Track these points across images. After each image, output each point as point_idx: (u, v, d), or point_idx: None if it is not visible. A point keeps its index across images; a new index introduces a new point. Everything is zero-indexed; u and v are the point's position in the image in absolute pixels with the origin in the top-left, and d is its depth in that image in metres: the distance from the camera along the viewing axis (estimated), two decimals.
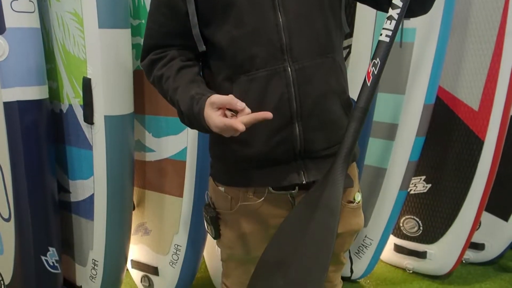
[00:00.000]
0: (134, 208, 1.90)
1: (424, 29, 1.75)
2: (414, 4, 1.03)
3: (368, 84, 1.00)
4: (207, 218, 1.20)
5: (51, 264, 1.71)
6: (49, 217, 1.67)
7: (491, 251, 2.25)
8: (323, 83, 1.05)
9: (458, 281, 2.19)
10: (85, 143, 1.65)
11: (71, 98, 1.65)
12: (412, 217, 2.19)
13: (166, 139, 1.75)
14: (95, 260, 1.78)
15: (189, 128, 1.66)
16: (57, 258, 1.72)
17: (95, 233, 1.74)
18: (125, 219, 1.79)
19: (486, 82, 1.91)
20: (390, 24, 1.00)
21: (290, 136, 1.05)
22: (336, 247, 1.20)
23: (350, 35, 1.67)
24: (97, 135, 1.60)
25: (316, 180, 1.07)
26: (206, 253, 2.04)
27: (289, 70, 1.02)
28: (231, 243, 1.20)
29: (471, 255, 2.27)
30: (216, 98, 0.94)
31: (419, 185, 2.14)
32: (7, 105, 1.51)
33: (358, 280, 2.21)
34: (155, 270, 1.93)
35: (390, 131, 1.90)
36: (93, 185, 1.68)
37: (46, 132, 1.61)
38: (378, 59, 0.99)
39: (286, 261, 1.04)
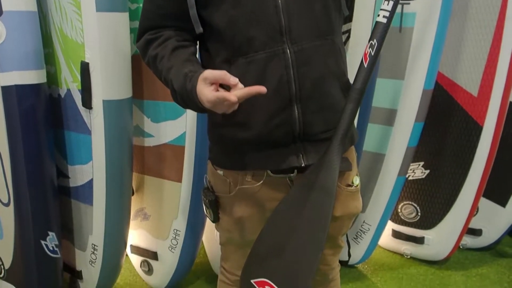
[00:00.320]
0: (133, 194, 1.91)
1: (424, 13, 1.74)
2: None
3: (365, 66, 1.00)
4: (205, 202, 1.20)
5: (51, 248, 1.71)
6: (48, 201, 1.67)
7: (489, 236, 2.27)
8: (322, 65, 1.04)
9: (455, 266, 2.21)
10: (84, 128, 1.64)
11: (69, 82, 1.64)
12: (410, 203, 2.20)
13: (164, 124, 1.74)
14: (94, 245, 1.79)
15: (187, 113, 1.67)
16: (56, 242, 1.72)
17: (95, 218, 1.74)
18: (124, 204, 1.79)
19: (486, 68, 1.90)
20: (387, 4, 0.99)
21: (289, 118, 1.04)
22: (334, 231, 1.22)
23: (349, 19, 1.65)
24: (96, 120, 1.60)
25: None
26: (205, 238, 2.06)
27: (288, 52, 1.01)
28: (229, 227, 1.21)
29: (468, 241, 2.29)
30: (208, 73, 0.93)
31: (417, 171, 2.14)
32: (5, 89, 1.50)
33: (356, 266, 2.22)
34: (154, 255, 1.94)
35: (389, 117, 1.90)
36: (92, 170, 1.68)
37: (44, 116, 1.60)
38: (375, 40, 0.99)
39: (281, 242, 1.05)
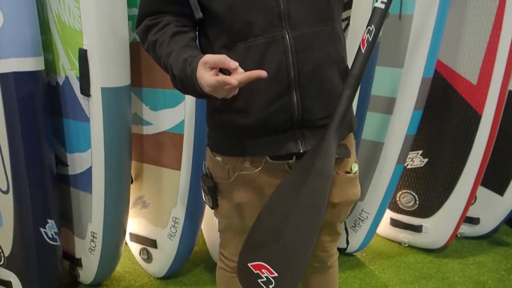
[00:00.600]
0: (132, 182, 1.91)
1: (424, 1, 1.73)
2: None
3: (363, 51, 1.00)
4: (204, 188, 1.21)
5: (50, 236, 1.72)
6: (47, 189, 1.67)
7: (486, 225, 2.28)
8: (321, 51, 1.04)
9: (452, 255, 2.22)
10: (82, 116, 1.64)
11: (67, 70, 1.63)
12: (408, 191, 2.21)
13: (163, 112, 1.74)
14: (94, 233, 1.80)
15: (186, 101, 1.67)
16: (56, 230, 1.73)
17: (94, 206, 1.75)
18: (123, 191, 1.80)
19: (485, 56, 1.90)
20: None
21: (287, 104, 1.04)
22: (332, 217, 1.23)
23: (349, 6, 1.65)
24: (94, 107, 1.59)
25: None
26: (204, 226, 2.06)
27: (287, 37, 1.01)
28: (228, 213, 1.21)
29: (466, 229, 2.30)
30: (208, 57, 0.93)
31: (416, 160, 2.15)
32: (2, 76, 1.49)
33: (354, 254, 2.24)
34: (153, 243, 1.95)
35: (388, 105, 1.90)
36: (90, 158, 1.68)
37: (43, 104, 1.59)
38: (373, 26, 0.99)
39: (278, 226, 1.06)
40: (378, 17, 0.99)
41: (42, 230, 1.69)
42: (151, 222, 1.94)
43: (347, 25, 1.68)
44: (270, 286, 1.05)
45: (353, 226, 2.11)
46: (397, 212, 2.26)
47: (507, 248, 2.27)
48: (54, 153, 1.72)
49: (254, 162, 1.12)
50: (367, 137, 1.96)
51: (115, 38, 1.55)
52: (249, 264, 1.09)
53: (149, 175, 1.89)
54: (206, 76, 0.92)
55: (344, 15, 1.63)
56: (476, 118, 1.96)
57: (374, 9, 1.00)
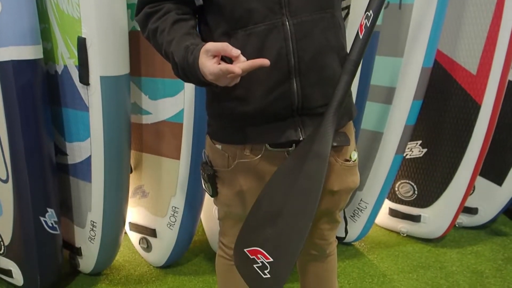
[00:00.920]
0: (131, 171, 1.91)
1: None
2: None
3: (361, 37, 0.99)
4: (204, 176, 1.21)
5: (50, 225, 1.72)
6: (47, 178, 1.67)
7: (484, 215, 2.29)
8: (321, 38, 1.04)
9: (450, 244, 2.24)
10: (81, 105, 1.64)
11: (66, 58, 1.62)
12: (407, 181, 2.21)
13: (162, 101, 1.74)
14: (93, 222, 1.80)
15: (185, 90, 1.67)
16: (55, 219, 1.73)
17: (93, 195, 1.75)
18: (122, 180, 1.80)
19: (485, 46, 1.89)
20: None
21: (287, 92, 1.04)
22: (331, 205, 1.23)
23: None
24: (93, 96, 1.59)
25: None
26: (203, 216, 2.07)
27: (287, 24, 1.01)
28: (228, 201, 1.21)
29: (464, 219, 2.31)
30: (210, 45, 0.93)
31: (415, 150, 2.15)
32: (1, 64, 1.48)
33: (352, 243, 2.25)
34: (153, 232, 1.96)
35: (388, 95, 1.89)
36: (90, 147, 1.68)
37: (41, 93, 1.59)
38: (371, 11, 0.99)
39: (274, 211, 1.06)
40: (376, 3, 0.99)
41: (41, 219, 1.69)
42: (150, 211, 1.95)
43: (347, 13, 1.67)
44: (266, 271, 1.05)
45: (352, 216, 2.12)
46: (396, 202, 2.27)
47: (505, 238, 2.28)
48: (53, 143, 1.72)
49: (254, 150, 1.12)
50: (366, 127, 1.96)
51: (114, 26, 1.54)
52: (245, 250, 1.09)
53: (148, 165, 1.89)
54: (208, 64, 0.92)
55: (344, 3, 1.63)
56: (475, 108, 1.96)
57: None
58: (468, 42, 1.92)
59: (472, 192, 2.23)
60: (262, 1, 1.00)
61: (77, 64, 1.58)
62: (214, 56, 0.93)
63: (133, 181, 1.94)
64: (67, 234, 1.92)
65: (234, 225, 1.27)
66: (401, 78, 1.85)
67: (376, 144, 1.97)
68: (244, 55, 0.94)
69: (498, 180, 2.21)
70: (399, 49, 1.82)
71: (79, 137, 1.71)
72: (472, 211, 2.28)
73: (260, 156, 1.12)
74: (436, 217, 2.17)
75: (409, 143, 2.06)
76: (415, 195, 2.20)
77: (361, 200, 2.08)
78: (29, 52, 1.51)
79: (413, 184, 2.20)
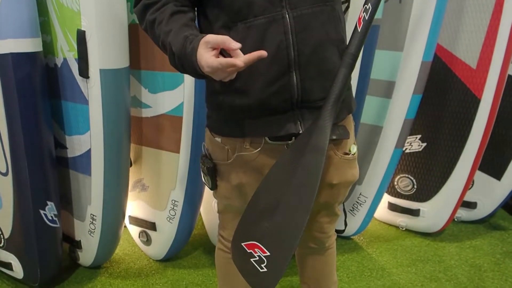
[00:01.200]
0: (131, 165, 1.91)
1: None
2: None
3: (359, 30, 0.99)
4: (203, 169, 1.21)
5: (50, 218, 1.72)
6: (47, 171, 1.67)
7: (483, 209, 2.30)
8: (321, 32, 1.03)
9: (449, 238, 2.24)
10: (81, 98, 1.63)
11: (66, 51, 1.62)
12: (406, 175, 2.22)
13: (162, 95, 1.74)
14: (93, 215, 1.81)
15: (185, 84, 1.66)
16: (55, 212, 1.73)
17: (93, 188, 1.75)
18: (122, 174, 1.80)
19: (485, 40, 1.89)
20: None
21: (287, 85, 1.04)
22: (331, 198, 1.24)
23: None
24: (93, 89, 1.59)
25: None
26: (203, 209, 2.07)
27: (287, 17, 1.00)
28: (227, 194, 1.22)
29: (463, 213, 2.32)
30: (211, 37, 0.92)
31: (414, 144, 2.15)
32: (0, 57, 1.48)
33: (351, 237, 2.26)
34: (152, 226, 1.96)
35: (387, 89, 1.89)
36: (89, 140, 1.68)
37: (41, 86, 1.59)
38: (369, 4, 0.98)
39: (272, 204, 1.06)
40: None
41: (41, 212, 1.69)
42: (150, 205, 1.95)
43: (347, 7, 1.67)
44: (262, 265, 1.06)
45: (351, 210, 2.12)
46: (395, 196, 2.28)
47: (503, 232, 2.29)
48: (53, 136, 1.72)
49: (253, 143, 1.12)
50: (366, 121, 1.97)
51: (113, 19, 1.54)
52: (242, 244, 1.10)
53: (148, 158, 1.89)
54: (206, 57, 0.92)
55: None
56: (475, 103, 1.96)
57: None
58: (468, 36, 1.92)
59: (471, 187, 2.24)
60: None
61: (76, 57, 1.58)
62: (214, 49, 0.92)
63: (133, 174, 1.94)
64: (67, 227, 1.92)
65: (234, 218, 1.27)
66: (401, 72, 1.85)
67: (376, 138, 1.97)
68: (244, 48, 0.93)
69: (497, 174, 2.22)
70: (399, 43, 1.82)
71: (78, 130, 1.71)
72: (471, 205, 2.29)
73: (259, 149, 1.12)
74: (435, 211, 2.18)
75: (408, 137, 2.07)
76: (414, 189, 2.21)
77: (360, 194, 2.09)
78: (29, 44, 1.51)
79: (412, 178, 2.20)
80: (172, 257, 2.07)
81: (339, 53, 1.08)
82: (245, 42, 0.99)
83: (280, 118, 1.08)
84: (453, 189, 2.11)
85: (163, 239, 1.97)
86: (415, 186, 2.20)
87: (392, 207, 2.29)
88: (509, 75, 1.99)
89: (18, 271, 1.82)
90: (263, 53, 0.91)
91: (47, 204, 1.70)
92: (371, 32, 1.77)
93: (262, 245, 1.07)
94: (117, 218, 1.87)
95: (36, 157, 1.63)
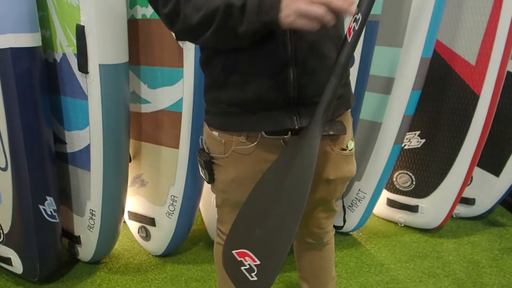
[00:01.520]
0: (130, 160, 1.92)
1: None
2: None
3: (349, 40, 0.98)
4: (201, 163, 1.21)
5: (49, 213, 1.73)
6: (46, 166, 1.68)
7: (481, 206, 2.30)
8: (319, 28, 1.03)
9: (447, 234, 2.25)
10: (80, 93, 1.64)
11: (65, 46, 1.62)
12: (405, 171, 2.22)
13: (161, 90, 1.74)
14: (92, 210, 1.81)
15: (184, 79, 1.66)
16: (55, 207, 1.74)
17: (92, 184, 1.76)
18: (121, 169, 1.81)
19: (484, 37, 1.89)
20: None
21: (284, 80, 1.04)
22: (328, 194, 1.24)
23: None
24: (92, 85, 1.59)
25: None
26: (202, 205, 2.08)
27: None
28: (224, 187, 1.22)
29: (461, 210, 2.33)
30: None
31: (413, 140, 2.16)
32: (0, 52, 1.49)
33: (350, 233, 2.26)
34: (152, 221, 1.97)
35: (386, 85, 1.89)
36: (89, 135, 1.68)
37: (40, 81, 1.59)
38: (359, 14, 0.97)
39: (263, 212, 1.06)
40: (365, 5, 0.97)
41: (41, 207, 1.70)
42: (149, 200, 1.95)
43: None
44: (253, 274, 1.06)
45: (350, 206, 2.13)
46: (394, 193, 2.28)
47: (502, 229, 2.30)
48: (52, 131, 1.72)
49: (249, 137, 1.12)
50: (365, 117, 1.97)
51: (113, 14, 1.54)
52: (233, 252, 1.10)
53: (147, 154, 1.90)
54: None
55: None
56: (474, 99, 1.96)
57: None
58: (467, 33, 1.92)
59: (470, 183, 2.24)
60: None
61: (75, 52, 1.58)
62: None
63: (132, 170, 1.95)
64: (66, 223, 1.93)
65: (231, 212, 1.27)
66: (400, 68, 1.85)
67: (375, 134, 1.98)
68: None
69: (496, 171, 2.22)
70: (399, 39, 1.82)
71: (78, 125, 1.71)
72: (469, 201, 2.30)
73: (255, 143, 1.12)
74: (434, 207, 2.18)
75: (407, 133, 2.07)
76: (413, 186, 2.21)
77: (359, 190, 2.09)
78: (28, 39, 1.51)
79: (411, 174, 2.21)
80: (171, 253, 2.07)
81: (337, 49, 1.08)
82: None
83: (277, 113, 1.08)
84: (452, 185, 2.11)
85: (162, 235, 1.97)
86: (414, 182, 2.20)
87: (391, 203, 2.29)
88: (508, 72, 1.99)
89: (17, 266, 1.83)
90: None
91: (46, 199, 1.71)
92: (370, 28, 1.79)
93: (252, 253, 1.07)
94: (116, 213, 1.88)
95: (36, 152, 1.63)
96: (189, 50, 1.60)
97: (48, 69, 1.67)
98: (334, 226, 1.45)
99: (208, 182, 1.24)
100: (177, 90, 1.69)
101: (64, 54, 1.64)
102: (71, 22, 1.55)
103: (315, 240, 1.38)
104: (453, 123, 2.04)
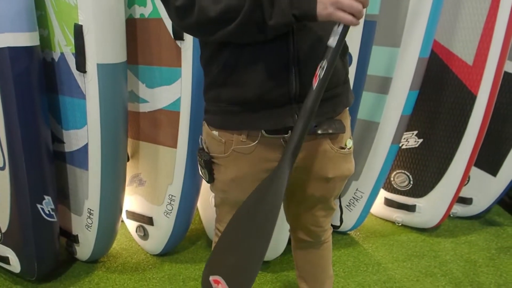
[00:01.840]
0: (128, 159, 1.92)
1: None
2: None
3: (314, 87, 0.99)
4: (200, 162, 1.21)
5: (47, 212, 1.73)
6: (44, 165, 1.68)
7: (479, 205, 2.31)
8: (321, 28, 1.04)
9: (445, 234, 2.26)
10: (78, 92, 1.64)
11: (63, 46, 1.62)
12: (403, 171, 2.23)
13: (159, 90, 1.74)
14: (90, 209, 1.81)
15: (182, 79, 1.66)
16: (52, 206, 1.74)
17: (90, 183, 1.76)
18: (119, 168, 1.81)
19: (482, 37, 1.90)
20: (337, 27, 0.98)
21: (286, 80, 1.05)
22: (326, 192, 1.25)
23: None
24: (90, 84, 1.59)
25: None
26: (200, 205, 2.08)
27: None
28: (224, 187, 1.22)
29: (458, 209, 2.34)
30: None
31: (411, 140, 2.16)
32: None
33: (348, 232, 2.27)
34: (150, 220, 1.97)
35: (384, 85, 1.90)
36: (87, 134, 1.68)
37: (38, 80, 1.59)
38: (325, 61, 0.98)
39: (238, 240, 1.11)
40: (331, 54, 0.98)
41: (38, 206, 1.70)
42: (147, 199, 1.96)
43: None
44: None
45: (347, 205, 2.13)
46: (391, 192, 2.29)
47: (499, 228, 2.31)
48: (50, 130, 1.72)
49: (250, 136, 1.12)
50: (362, 117, 1.97)
51: (111, 13, 1.54)
52: (210, 278, 1.14)
53: (145, 153, 1.90)
54: None
55: None
56: (471, 99, 1.97)
57: (327, 47, 0.99)
58: (465, 33, 1.93)
59: (467, 183, 2.25)
60: None
61: (73, 51, 1.58)
62: None
63: (130, 169, 1.95)
64: (64, 222, 1.92)
65: (230, 212, 1.27)
66: (398, 68, 1.85)
67: (372, 134, 1.98)
68: (244, 44, 0.93)
69: (493, 170, 2.23)
70: (396, 39, 1.82)
71: (76, 124, 1.71)
72: (466, 201, 2.31)
73: (256, 142, 1.12)
74: (431, 207, 2.19)
75: (405, 133, 2.07)
76: (411, 185, 2.22)
77: (356, 189, 2.10)
78: (26, 38, 1.51)
79: (408, 174, 2.21)
80: (169, 252, 2.07)
81: None
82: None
83: (277, 111, 1.08)
84: (449, 185, 2.12)
85: (160, 234, 1.98)
86: (411, 182, 2.21)
87: (389, 202, 2.30)
88: (505, 72, 2.00)
89: (15, 265, 1.83)
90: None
91: (44, 198, 1.70)
92: (368, 28, 1.79)
93: (224, 281, 1.11)
94: (114, 212, 1.88)
95: (33, 151, 1.63)
96: (187, 49, 1.60)
97: (46, 68, 1.67)
98: (331, 226, 1.45)
99: (208, 182, 1.24)
100: (175, 89, 1.69)
101: (62, 53, 1.64)
102: (69, 21, 1.55)
103: (313, 238, 1.39)
104: (450, 123, 2.04)
